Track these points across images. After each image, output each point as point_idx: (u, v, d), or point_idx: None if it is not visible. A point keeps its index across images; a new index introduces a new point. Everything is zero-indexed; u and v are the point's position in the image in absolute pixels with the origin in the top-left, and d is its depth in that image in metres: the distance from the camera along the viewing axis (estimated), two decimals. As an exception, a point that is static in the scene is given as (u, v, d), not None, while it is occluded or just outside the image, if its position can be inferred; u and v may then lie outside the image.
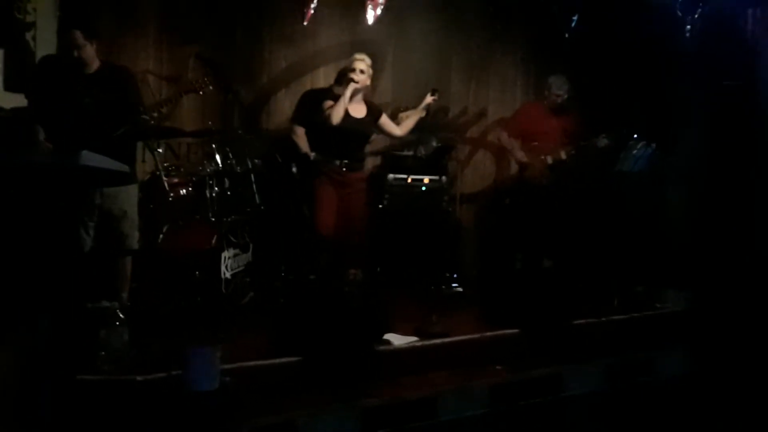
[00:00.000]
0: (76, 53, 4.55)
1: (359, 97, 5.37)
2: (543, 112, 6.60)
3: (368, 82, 5.36)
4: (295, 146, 5.94)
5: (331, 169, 5.29)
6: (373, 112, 5.42)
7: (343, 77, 5.66)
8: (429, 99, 5.60)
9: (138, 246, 4.88)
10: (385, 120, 5.49)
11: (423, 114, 5.66)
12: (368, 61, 5.31)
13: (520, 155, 6.53)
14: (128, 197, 4.81)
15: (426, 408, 4.34)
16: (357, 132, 5.33)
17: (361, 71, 5.25)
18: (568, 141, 6.46)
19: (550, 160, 6.45)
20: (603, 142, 6.31)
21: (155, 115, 4.82)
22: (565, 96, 6.50)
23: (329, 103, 5.25)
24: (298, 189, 5.74)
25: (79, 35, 4.55)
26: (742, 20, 6.74)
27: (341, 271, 5.39)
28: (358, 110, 5.35)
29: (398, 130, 5.62)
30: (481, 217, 7.48)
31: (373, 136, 5.85)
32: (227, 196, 5.63)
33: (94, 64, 4.68)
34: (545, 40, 7.46)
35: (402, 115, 5.95)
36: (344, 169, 5.31)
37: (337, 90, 5.98)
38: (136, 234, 4.87)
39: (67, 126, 4.51)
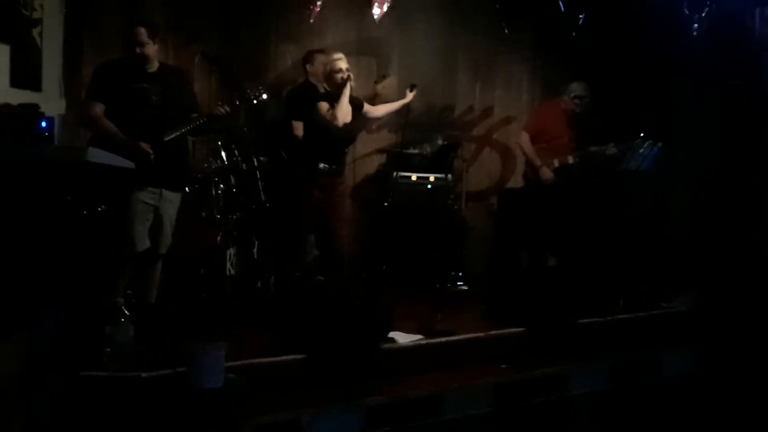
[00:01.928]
0: (138, 50, 4.56)
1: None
2: (559, 115, 6.57)
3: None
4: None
5: (317, 173, 5.19)
6: (357, 107, 5.32)
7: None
8: (410, 96, 5.57)
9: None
10: (366, 108, 5.43)
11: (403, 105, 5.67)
12: (345, 58, 5.26)
13: (543, 171, 6.47)
14: (178, 202, 4.87)
15: (431, 406, 4.34)
16: (345, 136, 5.25)
17: (348, 70, 5.17)
18: (577, 147, 6.45)
19: (556, 163, 6.44)
20: (612, 150, 6.30)
21: (203, 120, 4.82)
22: (585, 103, 6.49)
23: (324, 106, 5.12)
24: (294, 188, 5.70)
25: (143, 32, 4.57)
26: (749, 19, 6.72)
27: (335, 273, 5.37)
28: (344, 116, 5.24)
29: (377, 111, 5.57)
30: (486, 215, 7.47)
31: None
32: (233, 194, 5.63)
33: (155, 63, 4.71)
34: (552, 38, 7.45)
35: (378, 87, 5.90)
36: (329, 173, 5.21)
37: (312, 79, 6.04)
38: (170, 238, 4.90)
39: (141, 122, 4.57)
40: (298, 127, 5.92)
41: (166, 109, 4.66)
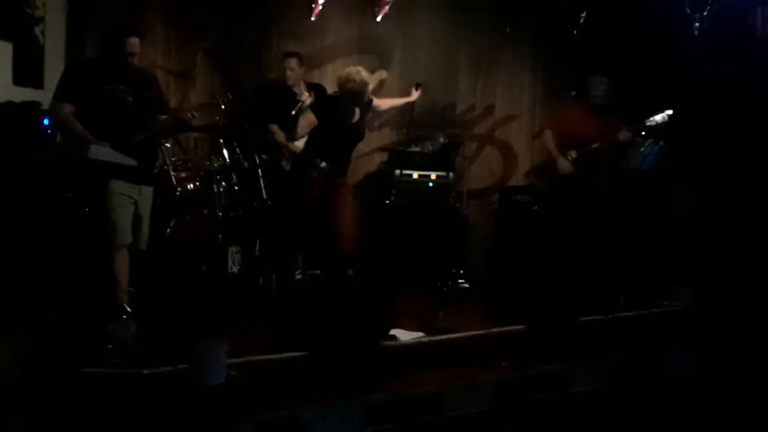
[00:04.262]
0: (131, 60, 4.59)
1: None
2: (584, 113, 6.54)
3: None
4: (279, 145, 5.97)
5: (321, 174, 5.15)
6: (367, 104, 5.29)
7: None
8: (415, 95, 5.58)
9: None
10: (375, 102, 5.40)
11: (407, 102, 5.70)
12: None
13: (560, 161, 6.49)
14: (152, 197, 4.88)
15: (431, 403, 4.34)
16: (351, 139, 5.26)
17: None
18: (601, 137, 6.43)
19: (574, 154, 6.45)
20: (625, 135, 6.28)
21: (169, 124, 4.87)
22: (603, 96, 6.48)
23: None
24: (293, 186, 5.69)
25: (137, 43, 4.59)
26: (751, 18, 6.70)
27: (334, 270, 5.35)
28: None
29: (382, 105, 5.60)
30: (488, 213, 7.47)
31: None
32: (234, 191, 5.64)
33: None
34: (553, 36, 7.44)
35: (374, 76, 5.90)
36: (333, 174, 5.18)
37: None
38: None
39: (114, 123, 4.55)
40: (275, 129, 5.96)
41: (139, 109, 4.67)
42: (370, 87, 5.08)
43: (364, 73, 5.03)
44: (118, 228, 4.58)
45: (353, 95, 5.06)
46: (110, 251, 4.57)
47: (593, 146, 6.36)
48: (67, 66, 4.72)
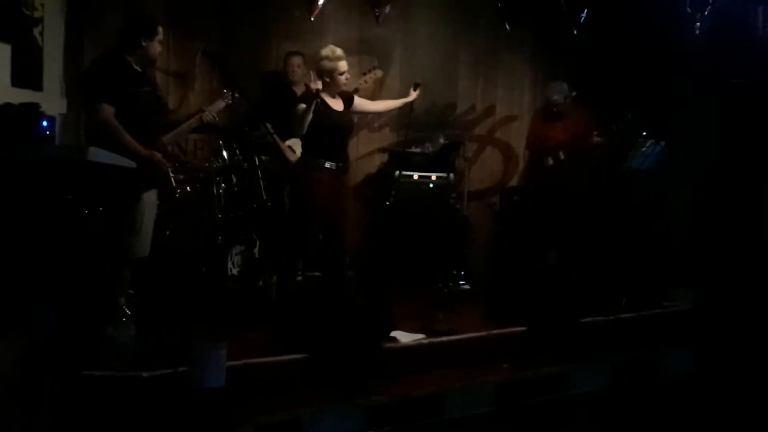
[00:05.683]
0: (159, 50, 4.56)
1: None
2: (549, 117, 6.72)
3: None
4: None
5: (323, 171, 5.09)
6: (347, 100, 5.29)
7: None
8: (413, 95, 5.59)
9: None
10: (358, 101, 5.37)
11: (405, 103, 5.68)
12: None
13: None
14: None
15: (432, 405, 4.34)
16: (342, 128, 5.23)
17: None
18: (571, 141, 6.49)
19: (550, 161, 6.50)
20: (595, 139, 6.35)
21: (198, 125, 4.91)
22: (563, 101, 6.60)
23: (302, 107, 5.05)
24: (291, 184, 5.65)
25: (162, 32, 4.55)
26: (752, 17, 6.70)
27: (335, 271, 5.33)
28: (337, 104, 5.20)
29: (374, 106, 5.62)
30: (488, 214, 7.46)
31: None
32: (234, 193, 5.62)
33: None
34: (553, 36, 7.43)
35: (360, 81, 5.88)
36: (335, 170, 5.13)
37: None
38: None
39: (151, 127, 4.52)
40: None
41: (162, 113, 4.69)
42: (343, 63, 5.07)
43: (338, 50, 5.06)
44: (148, 240, 4.53)
45: (328, 72, 5.06)
46: (125, 263, 4.51)
47: (564, 151, 6.49)
48: (92, 62, 4.48)
